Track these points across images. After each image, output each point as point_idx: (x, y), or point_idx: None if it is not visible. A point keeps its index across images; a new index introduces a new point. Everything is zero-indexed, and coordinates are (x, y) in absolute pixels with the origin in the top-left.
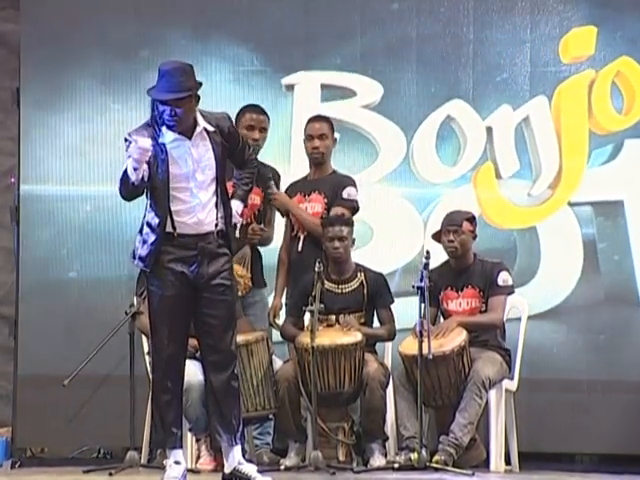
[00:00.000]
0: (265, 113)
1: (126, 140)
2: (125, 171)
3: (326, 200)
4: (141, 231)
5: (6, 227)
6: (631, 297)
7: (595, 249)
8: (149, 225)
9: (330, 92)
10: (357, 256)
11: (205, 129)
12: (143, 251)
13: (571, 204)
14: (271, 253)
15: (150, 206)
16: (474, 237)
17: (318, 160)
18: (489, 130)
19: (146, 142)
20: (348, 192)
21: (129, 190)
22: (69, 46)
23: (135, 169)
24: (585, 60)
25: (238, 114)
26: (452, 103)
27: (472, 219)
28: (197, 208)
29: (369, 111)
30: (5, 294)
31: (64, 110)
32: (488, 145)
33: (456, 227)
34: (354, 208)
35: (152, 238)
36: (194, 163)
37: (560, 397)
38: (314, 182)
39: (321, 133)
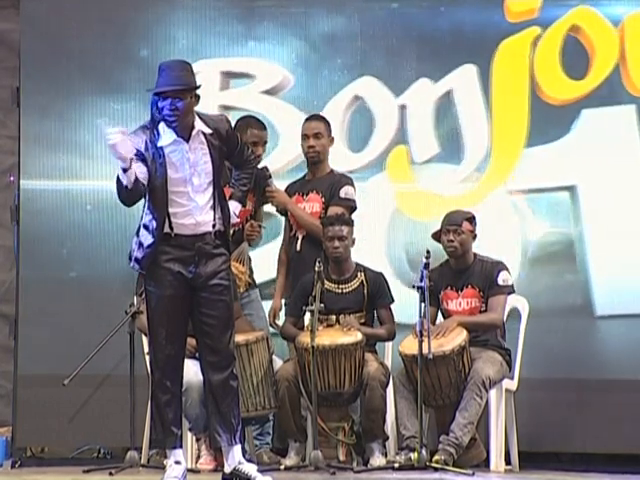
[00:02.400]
0: (265, 127)
1: None
2: (118, 177)
3: (323, 200)
4: (138, 233)
5: (6, 226)
6: (584, 300)
7: (540, 242)
8: (146, 227)
9: (230, 79)
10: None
11: (202, 132)
12: (139, 253)
13: (510, 191)
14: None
15: (148, 208)
16: (474, 237)
17: (314, 159)
18: (402, 108)
19: (114, 137)
20: (345, 191)
21: (126, 195)
22: (69, 45)
23: (124, 170)
24: (532, 17)
25: (237, 126)
26: (361, 81)
27: (472, 219)
28: (194, 211)
29: (269, 96)
30: (5, 293)
31: (64, 109)
32: (402, 126)
33: (456, 227)
34: (352, 207)
35: (149, 241)
36: (190, 167)
37: (560, 397)
38: (312, 182)
39: (316, 132)
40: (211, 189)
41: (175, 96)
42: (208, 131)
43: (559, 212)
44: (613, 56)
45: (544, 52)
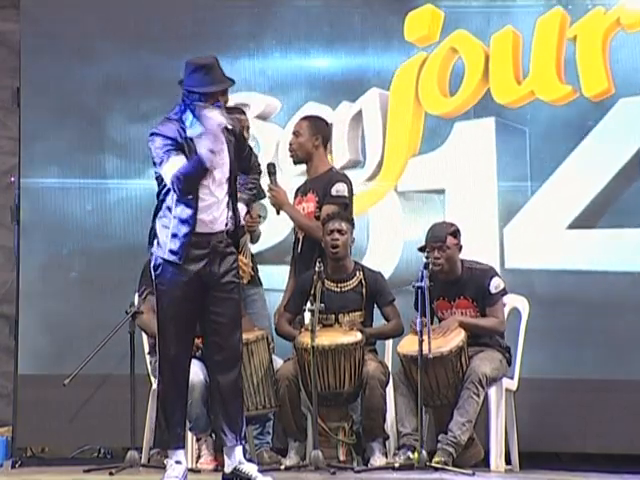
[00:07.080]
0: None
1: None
2: (195, 162)
3: (317, 199)
4: (167, 226)
5: (6, 226)
6: None
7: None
8: (178, 219)
9: None
10: None
11: (225, 127)
12: (174, 245)
13: (399, 192)
14: None
15: (178, 200)
16: (460, 248)
17: (292, 158)
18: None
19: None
20: (337, 189)
21: (197, 180)
22: (69, 46)
23: (212, 151)
24: (426, 43)
25: None
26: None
27: (456, 232)
28: (213, 206)
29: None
30: (5, 293)
31: (64, 109)
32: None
33: (440, 243)
34: (344, 204)
35: (184, 230)
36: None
37: (560, 397)
38: (310, 182)
39: (295, 130)
40: (227, 185)
41: (223, 93)
42: (229, 126)
43: (432, 211)
44: (480, 73)
45: (426, 73)
